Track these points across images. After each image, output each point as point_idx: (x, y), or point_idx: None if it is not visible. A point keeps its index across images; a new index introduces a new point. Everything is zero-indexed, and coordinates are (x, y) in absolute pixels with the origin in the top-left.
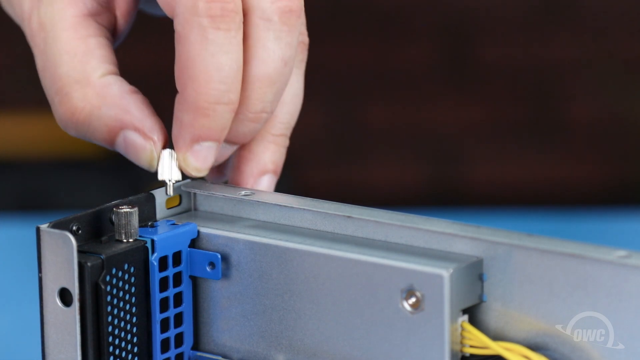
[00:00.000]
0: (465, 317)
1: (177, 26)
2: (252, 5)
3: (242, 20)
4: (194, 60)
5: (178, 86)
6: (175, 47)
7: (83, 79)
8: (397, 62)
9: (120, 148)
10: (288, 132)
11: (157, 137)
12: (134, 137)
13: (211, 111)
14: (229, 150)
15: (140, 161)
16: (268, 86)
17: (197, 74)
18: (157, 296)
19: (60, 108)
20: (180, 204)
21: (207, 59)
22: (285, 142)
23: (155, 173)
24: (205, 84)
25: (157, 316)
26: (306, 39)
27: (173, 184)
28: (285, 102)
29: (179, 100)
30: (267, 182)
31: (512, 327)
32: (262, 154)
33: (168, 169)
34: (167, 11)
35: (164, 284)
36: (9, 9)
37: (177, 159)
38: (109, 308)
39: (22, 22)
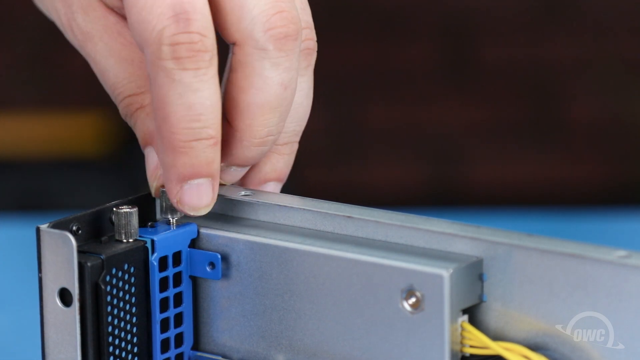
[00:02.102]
0: (465, 317)
1: (147, 69)
2: (245, 35)
3: (214, 55)
4: (163, 102)
5: (156, 128)
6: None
7: (143, 85)
8: (398, 62)
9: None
10: (295, 139)
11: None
12: (153, 156)
13: (188, 149)
14: (242, 172)
15: (148, 179)
16: (270, 112)
17: (168, 115)
18: (157, 296)
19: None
20: None
21: (176, 99)
22: (291, 149)
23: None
24: (177, 124)
25: (157, 316)
26: (311, 44)
27: (176, 220)
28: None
29: (158, 143)
30: (270, 189)
31: (512, 327)
32: (263, 164)
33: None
34: (140, 51)
35: (164, 284)
36: (43, 9)
37: (172, 203)
38: (109, 308)
39: (60, 27)
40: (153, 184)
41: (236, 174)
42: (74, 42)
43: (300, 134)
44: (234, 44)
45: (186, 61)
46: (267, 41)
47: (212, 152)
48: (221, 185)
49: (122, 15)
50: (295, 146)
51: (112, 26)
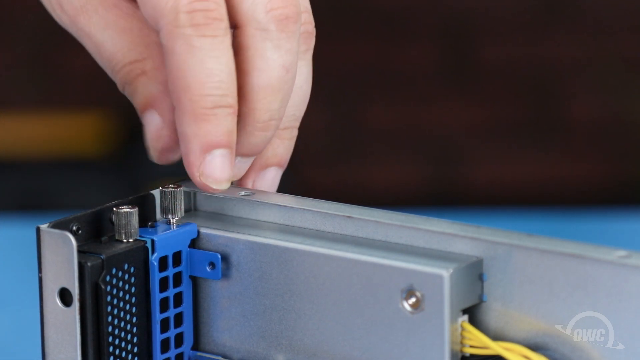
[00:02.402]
0: (465, 317)
1: (163, 39)
2: (247, 17)
3: (228, 26)
4: (184, 70)
5: (174, 100)
6: (165, 62)
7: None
8: (398, 62)
9: (144, 124)
10: (295, 124)
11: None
12: (155, 118)
13: (212, 116)
14: (246, 163)
15: (149, 143)
16: (272, 95)
17: (189, 83)
18: (157, 296)
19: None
20: None
21: (197, 66)
22: (291, 134)
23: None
24: (199, 91)
25: (157, 316)
26: (310, 27)
27: (176, 221)
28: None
29: (178, 115)
30: (271, 175)
31: (512, 327)
32: (264, 149)
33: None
34: (151, 23)
35: (164, 284)
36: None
37: (193, 177)
38: (109, 308)
39: (47, 5)
40: (157, 144)
41: (241, 165)
42: (63, 19)
43: (300, 119)
44: (235, 27)
45: (204, 28)
46: (269, 22)
47: (232, 122)
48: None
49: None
50: (295, 132)
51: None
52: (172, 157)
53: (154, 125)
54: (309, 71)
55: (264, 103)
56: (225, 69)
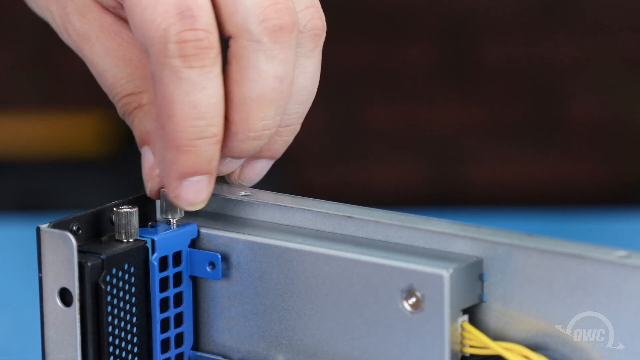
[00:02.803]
0: (465, 317)
1: (151, 66)
2: (239, 28)
3: (218, 53)
4: (169, 100)
5: (158, 124)
6: (154, 87)
7: (142, 84)
8: (398, 62)
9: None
10: (298, 121)
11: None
12: (149, 156)
13: (192, 147)
14: (236, 163)
15: (143, 179)
16: (266, 106)
17: (173, 113)
18: (157, 296)
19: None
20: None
21: (182, 98)
22: (292, 132)
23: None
24: (182, 122)
25: (157, 316)
26: (319, 24)
27: (176, 221)
28: (292, 94)
29: (161, 140)
30: (261, 165)
31: (512, 327)
32: None
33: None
34: (143, 49)
35: (164, 284)
36: (37, 10)
37: (168, 197)
38: (109, 308)
39: (55, 28)
40: (148, 184)
41: (231, 165)
42: (70, 43)
43: (303, 117)
44: (229, 37)
45: (192, 59)
46: (261, 33)
47: (214, 150)
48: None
49: (118, 15)
50: (297, 128)
51: (108, 26)
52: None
53: (147, 162)
54: (315, 70)
55: (257, 113)
56: (211, 99)
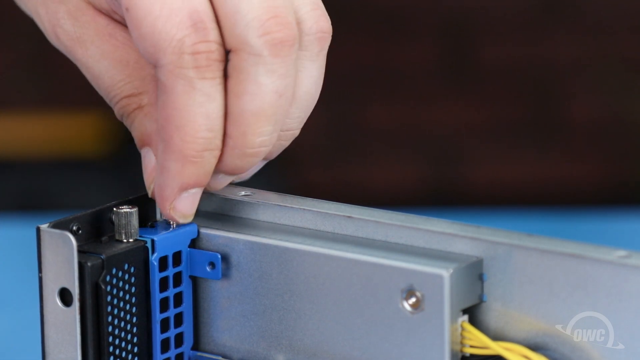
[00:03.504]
0: (465, 317)
1: (162, 76)
2: (240, 41)
3: (223, 65)
4: (181, 110)
5: (163, 135)
6: (158, 96)
7: (141, 86)
8: (398, 62)
9: (141, 158)
10: (299, 126)
11: None
12: (150, 157)
13: (199, 159)
14: (228, 180)
15: (145, 180)
16: (264, 120)
17: (184, 124)
18: (157, 296)
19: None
20: None
21: (195, 108)
22: (292, 136)
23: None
24: (193, 133)
25: (157, 316)
26: (325, 27)
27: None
28: (295, 98)
29: (164, 150)
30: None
31: (512, 327)
32: None
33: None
34: (149, 59)
35: (164, 284)
36: (24, 8)
37: (163, 209)
38: (109, 308)
39: (43, 31)
40: (150, 186)
41: (223, 181)
42: (60, 48)
43: (304, 122)
44: (229, 50)
45: (205, 70)
46: (262, 47)
47: (214, 163)
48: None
49: (111, 18)
50: (297, 133)
51: (103, 29)
52: None
53: (149, 164)
54: (320, 74)
55: (254, 128)
56: (220, 111)
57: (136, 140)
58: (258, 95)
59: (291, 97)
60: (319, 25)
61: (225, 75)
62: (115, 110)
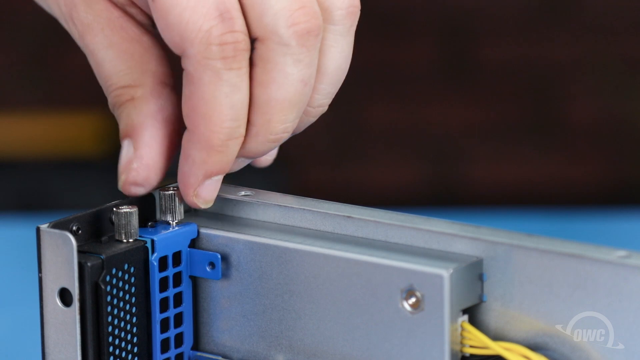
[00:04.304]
0: (465, 317)
1: (189, 66)
2: (268, 31)
3: (249, 54)
4: (208, 100)
5: (188, 124)
6: (183, 85)
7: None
8: (398, 62)
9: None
10: (328, 101)
11: (150, 171)
12: (130, 149)
13: (224, 147)
14: (247, 162)
15: (119, 171)
16: (289, 108)
17: (211, 113)
18: (157, 296)
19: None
20: None
21: (222, 99)
22: (319, 112)
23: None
24: (219, 123)
25: (157, 316)
26: (356, 1)
27: (176, 223)
28: (326, 73)
29: (189, 139)
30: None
31: (512, 327)
32: None
33: (170, 210)
34: (175, 49)
35: (164, 284)
36: (44, 5)
37: (187, 196)
38: (109, 308)
39: (60, 16)
40: (122, 176)
41: (242, 163)
42: (73, 32)
43: (333, 97)
44: (255, 39)
45: (232, 61)
46: (290, 37)
47: (237, 150)
48: None
49: (125, 11)
50: (326, 108)
51: (115, 20)
52: (135, 191)
53: (125, 156)
54: (350, 49)
55: (279, 116)
56: (245, 100)
57: (120, 131)
58: (285, 85)
59: (312, 85)
60: (346, 2)
61: (250, 64)
62: (109, 99)
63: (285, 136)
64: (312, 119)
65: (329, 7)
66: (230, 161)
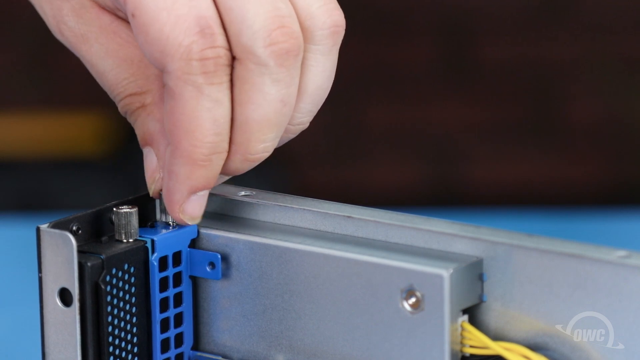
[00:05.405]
0: (465, 317)
1: (170, 82)
2: (246, 51)
3: (231, 68)
4: (190, 115)
5: (171, 140)
6: (165, 101)
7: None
8: (397, 62)
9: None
10: (308, 119)
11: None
12: (152, 158)
13: (208, 162)
14: (225, 179)
15: (146, 179)
16: (268, 128)
17: (193, 128)
18: (157, 296)
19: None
20: None
21: (203, 113)
22: (299, 130)
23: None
24: (202, 137)
25: (157, 316)
26: (339, 20)
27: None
28: (307, 92)
29: (173, 154)
30: None
31: (512, 327)
32: None
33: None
34: (156, 64)
35: (164, 284)
36: (41, 13)
37: (172, 212)
38: (109, 308)
39: (48, 26)
40: (151, 186)
41: (220, 180)
42: (65, 44)
43: (314, 115)
44: (233, 58)
45: (213, 75)
46: (268, 57)
47: (221, 165)
48: None
49: (115, 15)
50: (307, 126)
51: (107, 26)
52: None
53: (150, 164)
54: (332, 68)
55: (258, 135)
56: (227, 115)
57: (139, 139)
58: (263, 105)
59: (293, 104)
60: (332, 19)
61: (231, 80)
62: (119, 107)
63: (265, 155)
64: (292, 136)
65: (310, 26)
66: (214, 176)
